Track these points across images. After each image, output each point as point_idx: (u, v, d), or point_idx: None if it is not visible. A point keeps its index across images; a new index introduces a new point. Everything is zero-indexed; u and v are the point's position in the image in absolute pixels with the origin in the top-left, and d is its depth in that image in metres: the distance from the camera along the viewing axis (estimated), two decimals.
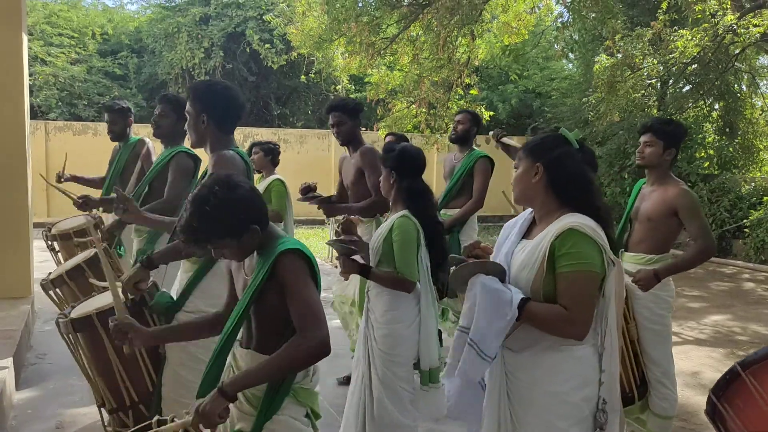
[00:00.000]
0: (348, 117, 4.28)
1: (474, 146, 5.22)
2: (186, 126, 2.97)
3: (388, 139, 6.15)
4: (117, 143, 5.24)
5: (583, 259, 1.99)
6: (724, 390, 2.32)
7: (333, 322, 6.08)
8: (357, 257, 3.09)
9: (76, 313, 2.90)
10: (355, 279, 3.75)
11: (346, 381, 4.55)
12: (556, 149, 2.14)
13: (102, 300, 2.99)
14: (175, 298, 3.00)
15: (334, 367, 4.74)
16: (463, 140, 5.18)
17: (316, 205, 4.40)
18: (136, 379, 2.82)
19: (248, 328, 2.15)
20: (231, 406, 2.07)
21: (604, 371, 2.08)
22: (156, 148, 4.84)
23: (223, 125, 2.90)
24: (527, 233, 2.22)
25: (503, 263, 2.16)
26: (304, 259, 2.01)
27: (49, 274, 3.85)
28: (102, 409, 2.94)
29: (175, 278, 3.57)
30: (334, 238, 3.17)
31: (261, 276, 2.00)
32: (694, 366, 5.41)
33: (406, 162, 3.13)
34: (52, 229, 4.56)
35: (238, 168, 2.82)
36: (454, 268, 2.13)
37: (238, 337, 2.17)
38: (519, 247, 2.18)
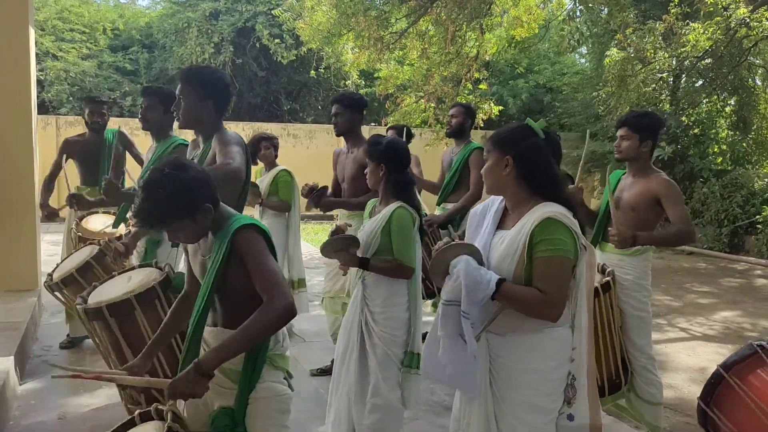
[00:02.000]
0: (346, 109, 4.32)
1: (470, 139, 5.19)
2: (182, 108, 3.04)
3: (389, 132, 6.11)
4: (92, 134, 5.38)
5: (559, 245, 2.07)
6: (711, 395, 2.31)
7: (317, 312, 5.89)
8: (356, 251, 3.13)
9: (102, 297, 2.99)
10: (351, 272, 3.77)
11: (320, 373, 4.60)
12: (523, 141, 2.20)
13: (124, 284, 3.09)
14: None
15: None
16: (458, 134, 5.18)
17: (314, 202, 4.31)
18: (168, 353, 2.90)
19: (214, 307, 2.19)
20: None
21: (574, 348, 2.16)
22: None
23: (222, 111, 3.09)
24: (501, 223, 2.27)
25: (482, 254, 2.21)
26: (259, 232, 2.08)
27: (51, 274, 3.84)
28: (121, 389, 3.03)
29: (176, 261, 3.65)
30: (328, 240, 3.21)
31: (221, 254, 2.05)
32: (700, 362, 5.36)
33: (394, 155, 3.20)
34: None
35: (240, 143, 3.03)
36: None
37: None
38: (496, 238, 2.23)
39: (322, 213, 4.37)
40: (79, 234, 4.66)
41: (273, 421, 2.14)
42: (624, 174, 3.71)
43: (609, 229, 3.45)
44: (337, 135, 4.49)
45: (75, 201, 4.46)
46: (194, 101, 3.01)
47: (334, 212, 4.65)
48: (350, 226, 4.09)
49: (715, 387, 2.36)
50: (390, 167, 3.17)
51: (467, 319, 2.07)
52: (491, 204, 2.35)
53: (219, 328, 2.18)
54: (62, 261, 4.11)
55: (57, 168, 5.40)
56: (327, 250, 3.14)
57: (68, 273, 3.76)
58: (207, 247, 2.16)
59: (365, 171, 4.14)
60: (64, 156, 5.33)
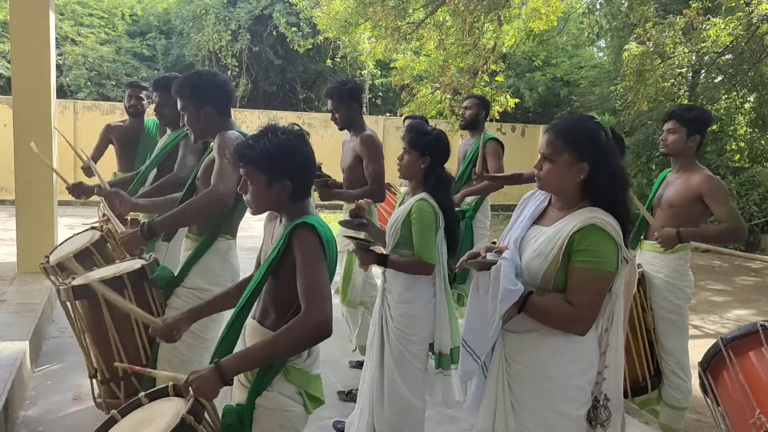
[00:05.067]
0: (341, 103, 4.17)
1: (484, 130, 5.17)
2: (186, 122, 3.01)
3: (407, 122, 6.11)
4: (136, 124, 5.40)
5: (600, 257, 1.95)
6: (708, 362, 2.36)
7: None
8: (374, 248, 3.07)
9: (78, 281, 2.91)
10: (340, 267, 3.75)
11: (358, 365, 4.58)
12: (601, 146, 2.03)
13: (103, 272, 3.01)
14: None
15: (348, 350, 4.74)
16: (472, 125, 5.17)
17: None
18: (131, 351, 2.82)
19: (260, 301, 2.16)
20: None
21: (608, 367, 2.04)
22: None
23: (224, 111, 3.00)
24: (540, 218, 2.16)
25: (513, 248, 2.11)
26: (317, 236, 1.99)
27: (48, 256, 3.69)
28: (93, 380, 2.97)
29: (177, 257, 3.57)
30: (345, 218, 3.13)
31: (278, 247, 2.01)
32: None
33: (441, 149, 3.08)
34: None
35: None
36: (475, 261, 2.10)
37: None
38: (532, 233, 2.11)
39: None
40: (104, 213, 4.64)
41: None
42: (669, 172, 3.59)
43: (653, 239, 3.33)
44: (340, 129, 4.32)
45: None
46: (194, 112, 2.96)
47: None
48: (370, 203, 4.00)
49: (713, 356, 2.40)
50: (435, 160, 3.05)
51: (465, 348, 2.08)
52: (535, 196, 2.23)
53: (257, 324, 2.14)
54: (60, 244, 3.93)
55: (98, 153, 5.44)
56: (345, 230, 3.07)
57: (66, 257, 3.58)
58: (277, 234, 2.12)
59: (361, 162, 4.09)
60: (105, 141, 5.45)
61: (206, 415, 1.91)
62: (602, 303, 2.01)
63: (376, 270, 3.30)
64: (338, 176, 4.47)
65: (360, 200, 3.29)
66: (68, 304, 2.86)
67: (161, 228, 2.94)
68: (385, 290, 3.10)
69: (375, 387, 3.04)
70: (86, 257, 3.60)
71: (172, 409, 1.92)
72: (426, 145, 3.04)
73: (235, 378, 2.09)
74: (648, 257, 3.46)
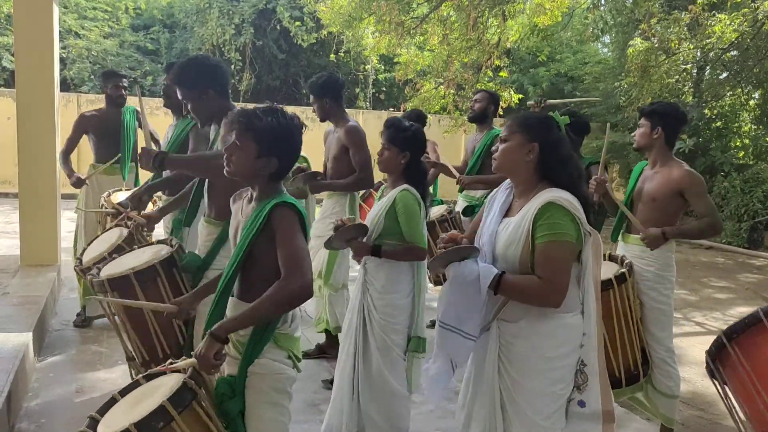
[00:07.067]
0: (317, 98, 4.38)
1: (492, 126, 5.18)
2: (191, 110, 3.04)
3: None
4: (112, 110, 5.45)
5: (557, 229, 2.08)
6: (716, 355, 2.44)
7: None
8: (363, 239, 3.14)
9: (109, 271, 3.01)
10: (323, 252, 3.94)
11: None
12: (552, 132, 2.23)
13: (133, 259, 3.09)
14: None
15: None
16: (481, 119, 5.17)
17: (302, 180, 4.36)
18: (170, 334, 2.96)
19: (239, 280, 2.24)
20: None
21: (584, 334, 2.17)
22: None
23: (225, 93, 3.04)
24: (508, 211, 2.30)
25: (488, 243, 2.25)
26: (296, 213, 2.12)
27: (80, 258, 3.69)
28: (130, 363, 3.11)
29: (195, 241, 3.62)
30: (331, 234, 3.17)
31: (257, 223, 2.09)
32: None
33: (419, 144, 3.20)
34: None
35: None
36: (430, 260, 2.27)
37: None
38: (502, 225, 2.25)
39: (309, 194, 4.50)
40: (108, 209, 4.65)
41: (267, 398, 2.16)
42: (645, 165, 3.68)
43: (639, 234, 3.42)
44: (321, 121, 4.56)
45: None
46: (197, 98, 2.98)
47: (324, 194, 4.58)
48: (353, 218, 4.07)
49: (719, 350, 2.48)
50: (414, 155, 3.15)
51: (452, 331, 2.15)
52: (500, 192, 2.39)
53: (234, 299, 2.23)
54: (91, 242, 3.93)
55: (72, 144, 5.44)
56: (337, 240, 3.08)
57: (100, 256, 3.61)
58: (247, 212, 2.21)
59: (348, 152, 4.24)
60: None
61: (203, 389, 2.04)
62: (569, 272, 2.12)
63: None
64: (320, 168, 4.62)
65: (343, 217, 3.33)
66: (105, 294, 2.95)
67: (172, 164, 2.99)
68: (366, 282, 3.15)
69: (361, 378, 3.08)
70: (120, 253, 3.62)
71: (171, 380, 2.03)
72: (406, 140, 3.13)
73: (226, 353, 2.17)
74: (636, 251, 3.53)
